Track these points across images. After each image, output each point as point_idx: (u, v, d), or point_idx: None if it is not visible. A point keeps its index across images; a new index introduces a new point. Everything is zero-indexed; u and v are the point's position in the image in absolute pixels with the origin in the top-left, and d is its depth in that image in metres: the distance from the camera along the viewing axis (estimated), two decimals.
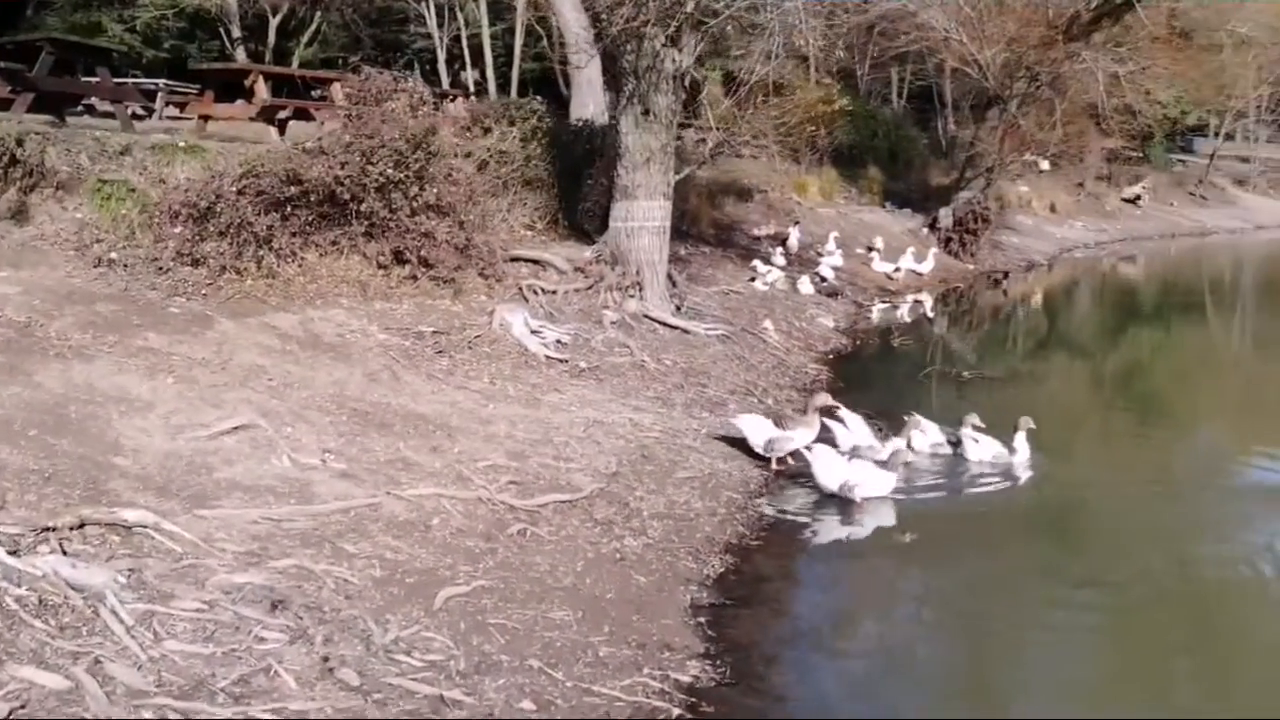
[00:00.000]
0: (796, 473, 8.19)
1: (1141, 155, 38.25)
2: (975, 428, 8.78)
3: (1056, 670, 5.49)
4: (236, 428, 6.70)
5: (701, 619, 5.57)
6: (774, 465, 8.21)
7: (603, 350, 10.29)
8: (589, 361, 9.89)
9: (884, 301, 18.09)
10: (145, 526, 5.25)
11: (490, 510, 6.34)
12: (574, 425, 8.19)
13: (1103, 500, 8.16)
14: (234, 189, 9.53)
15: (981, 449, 8.72)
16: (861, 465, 7.65)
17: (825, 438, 8.29)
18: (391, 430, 7.29)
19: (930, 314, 17.90)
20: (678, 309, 12.13)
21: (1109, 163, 35.79)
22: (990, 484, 8.29)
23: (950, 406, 10.58)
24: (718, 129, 12.35)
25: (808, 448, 7.81)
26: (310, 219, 10.11)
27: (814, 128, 15.87)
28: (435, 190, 10.56)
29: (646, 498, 7.09)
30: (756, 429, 8.22)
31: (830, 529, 7.26)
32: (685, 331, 11.53)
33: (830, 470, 7.55)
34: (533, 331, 10.10)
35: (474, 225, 11.18)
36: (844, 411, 8.78)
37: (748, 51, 12.61)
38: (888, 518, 7.46)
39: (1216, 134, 44.81)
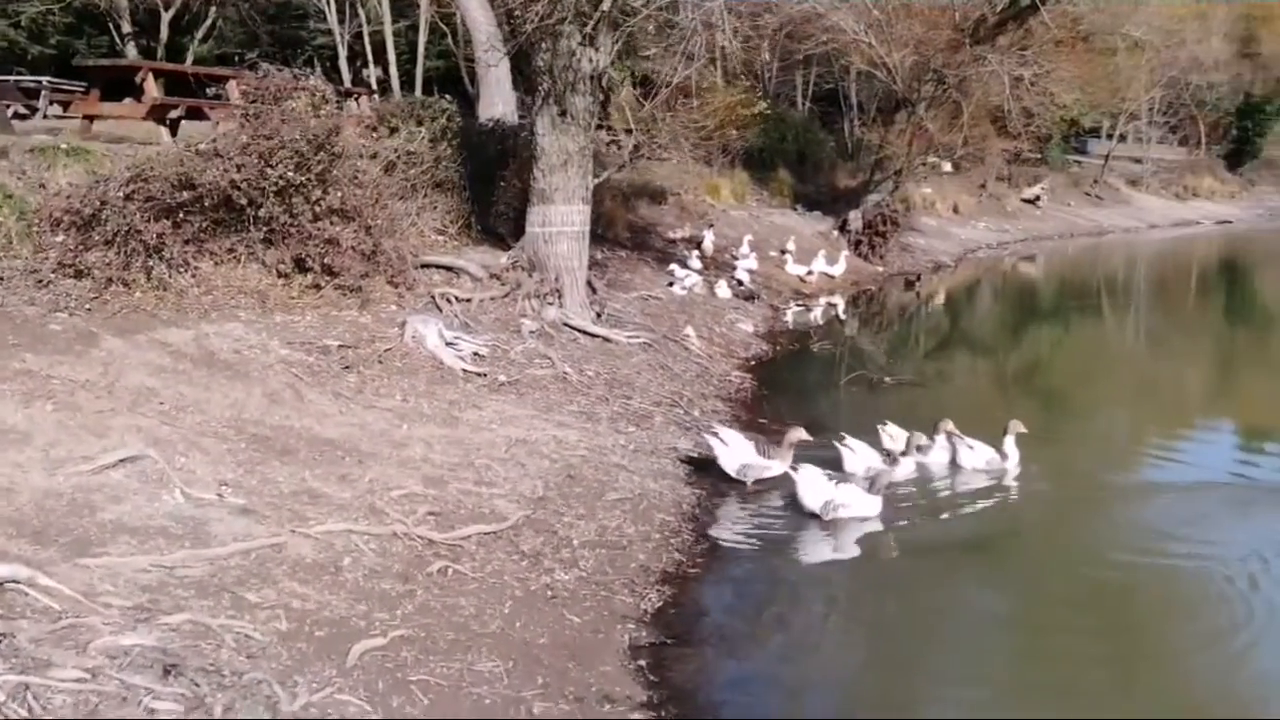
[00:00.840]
0: (733, 492, 7.88)
1: (1040, 157, 39.10)
2: (950, 434, 8.71)
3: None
4: (124, 460, 6.07)
5: (642, 662, 5.18)
6: (749, 486, 8.00)
7: (522, 362, 9.82)
8: (509, 374, 9.41)
9: (798, 304, 17.98)
10: (18, 582, 4.64)
11: (407, 546, 5.84)
12: (495, 445, 7.72)
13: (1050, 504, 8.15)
14: (121, 194, 8.83)
15: (976, 455, 8.68)
16: (848, 488, 7.48)
17: (832, 459, 8.25)
18: (295, 457, 6.72)
19: (843, 316, 17.84)
20: (598, 316, 11.73)
21: (1009, 164, 36.47)
22: (960, 494, 8.21)
23: (877, 414, 10.38)
24: (637, 131, 11.95)
25: (793, 467, 7.64)
26: (204, 226, 9.47)
27: (734, 131, 15.55)
28: (339, 193, 10.00)
29: (576, 524, 6.66)
30: (733, 452, 8.01)
31: (770, 553, 6.92)
32: (607, 340, 11.13)
33: (813, 491, 7.37)
34: (448, 343, 9.57)
35: (382, 230, 10.61)
36: (849, 439, 8.62)
37: (665, 52, 12.25)
38: (829, 539, 7.17)
39: (1110, 135, 46.11)
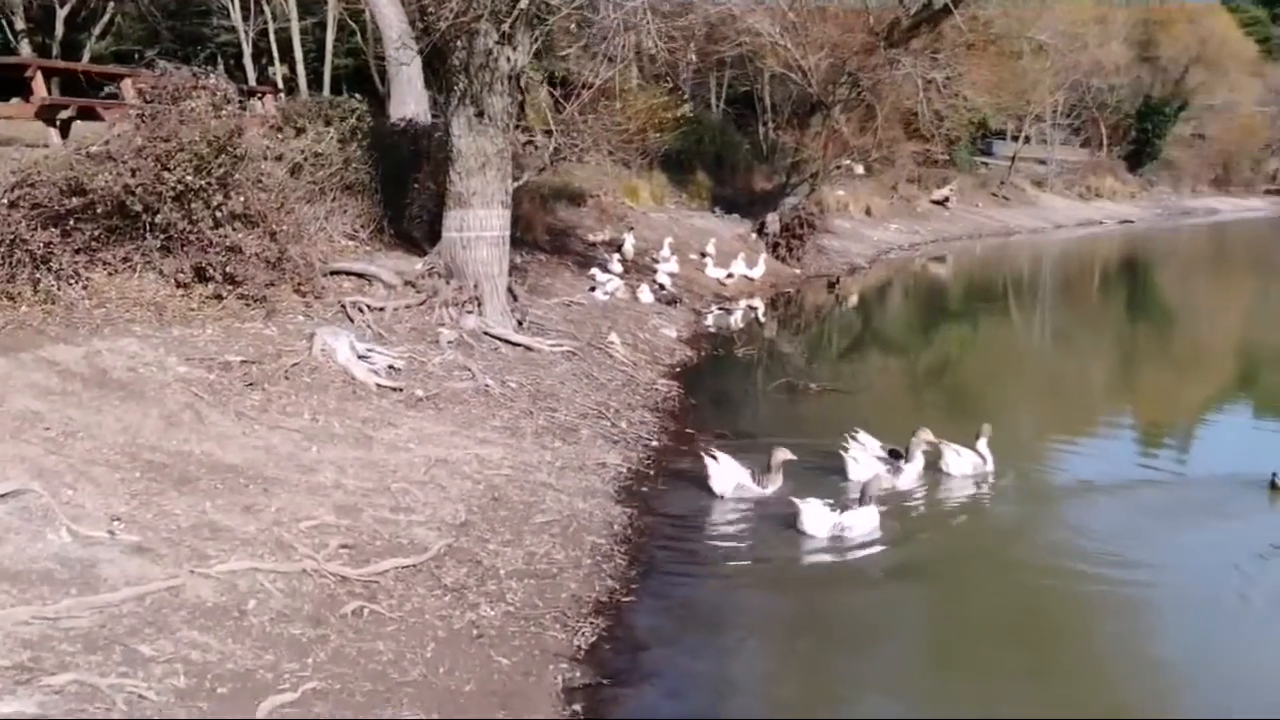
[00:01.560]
0: (664, 510, 7.59)
1: (948, 159, 39.70)
2: (930, 442, 8.62)
3: None
4: (3, 495, 5.51)
5: (577, 706, 4.84)
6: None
7: (441, 374, 9.38)
8: (426, 389, 8.96)
9: (719, 307, 17.80)
10: None
11: (318, 585, 5.40)
12: (413, 467, 7.29)
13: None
14: (4, 201, 8.29)
15: (963, 462, 8.69)
16: (851, 513, 7.32)
17: (837, 468, 8.41)
18: (195, 486, 6.21)
19: (764, 319, 17.72)
20: (520, 324, 11.34)
21: (918, 166, 36.93)
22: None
23: (806, 421, 10.29)
24: (557, 133, 11.58)
25: (796, 498, 7.45)
26: (96, 234, 8.90)
27: (657, 134, 15.29)
28: (242, 198, 9.50)
29: (502, 551, 6.28)
30: (725, 476, 7.95)
31: (708, 575, 6.62)
32: (530, 349, 10.74)
33: (817, 521, 7.25)
34: (360, 356, 9.08)
35: (288, 236, 10.09)
36: (863, 438, 8.70)
37: (584, 53, 11.90)
38: (765, 559, 6.91)
39: (1015, 138, 47.09)
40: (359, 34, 26.10)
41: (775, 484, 7.96)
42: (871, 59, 22.33)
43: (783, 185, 25.29)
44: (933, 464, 8.70)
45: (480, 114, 10.49)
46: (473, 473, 7.42)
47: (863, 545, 7.18)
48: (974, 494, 8.50)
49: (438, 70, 12.94)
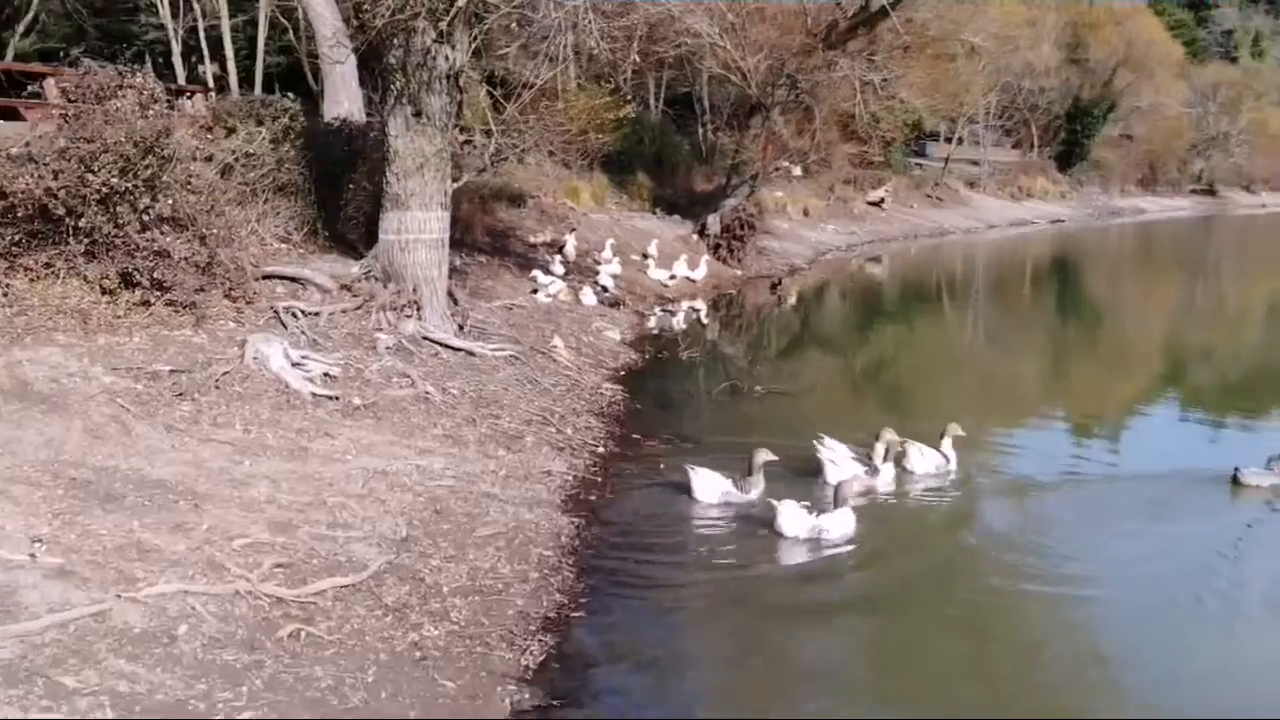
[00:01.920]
0: (613, 518, 7.46)
1: (883, 160, 40.08)
2: (893, 442, 8.68)
3: None
4: None
5: None
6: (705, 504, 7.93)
7: (379, 382, 9.14)
8: (364, 397, 8.71)
9: (662, 309, 17.71)
10: None
11: (253, 607, 5.17)
12: (351, 479, 7.06)
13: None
14: None
15: (927, 461, 8.77)
16: (828, 516, 7.30)
17: (805, 470, 8.44)
18: (122, 504, 5.93)
19: (706, 320, 17.67)
20: (461, 328, 11.12)
21: (854, 167, 37.22)
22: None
23: (751, 424, 10.24)
24: (497, 133, 11.36)
25: (775, 500, 7.46)
26: (17, 238, 8.63)
27: (599, 135, 15.13)
28: (170, 200, 9.22)
29: (445, 567, 6.09)
30: (709, 485, 7.92)
31: (658, 587, 6.46)
32: (471, 354, 10.53)
33: (795, 523, 7.26)
34: (294, 364, 8.82)
35: (218, 239, 9.82)
36: (829, 443, 8.65)
37: (524, 52, 11.71)
38: (712, 567, 6.81)
39: (949, 139, 47.72)
40: (291, 31, 25.54)
41: (758, 488, 7.92)
42: (810, 60, 22.42)
43: (723, 186, 25.30)
44: (897, 463, 8.75)
45: (418, 113, 10.26)
46: (413, 484, 7.21)
47: (819, 550, 7.12)
48: (940, 494, 8.54)
49: (373, 69, 12.65)
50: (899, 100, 24.52)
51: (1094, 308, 24.32)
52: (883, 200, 39.09)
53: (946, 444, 8.89)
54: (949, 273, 30.06)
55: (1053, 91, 53.29)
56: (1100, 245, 40.45)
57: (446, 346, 10.49)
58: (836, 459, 8.52)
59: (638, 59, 14.24)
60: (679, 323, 16.95)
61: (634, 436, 9.63)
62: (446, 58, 10.14)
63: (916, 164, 47.37)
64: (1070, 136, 55.34)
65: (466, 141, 15.75)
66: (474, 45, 10.57)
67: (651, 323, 16.43)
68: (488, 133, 11.53)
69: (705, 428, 10.21)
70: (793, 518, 7.25)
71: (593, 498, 7.85)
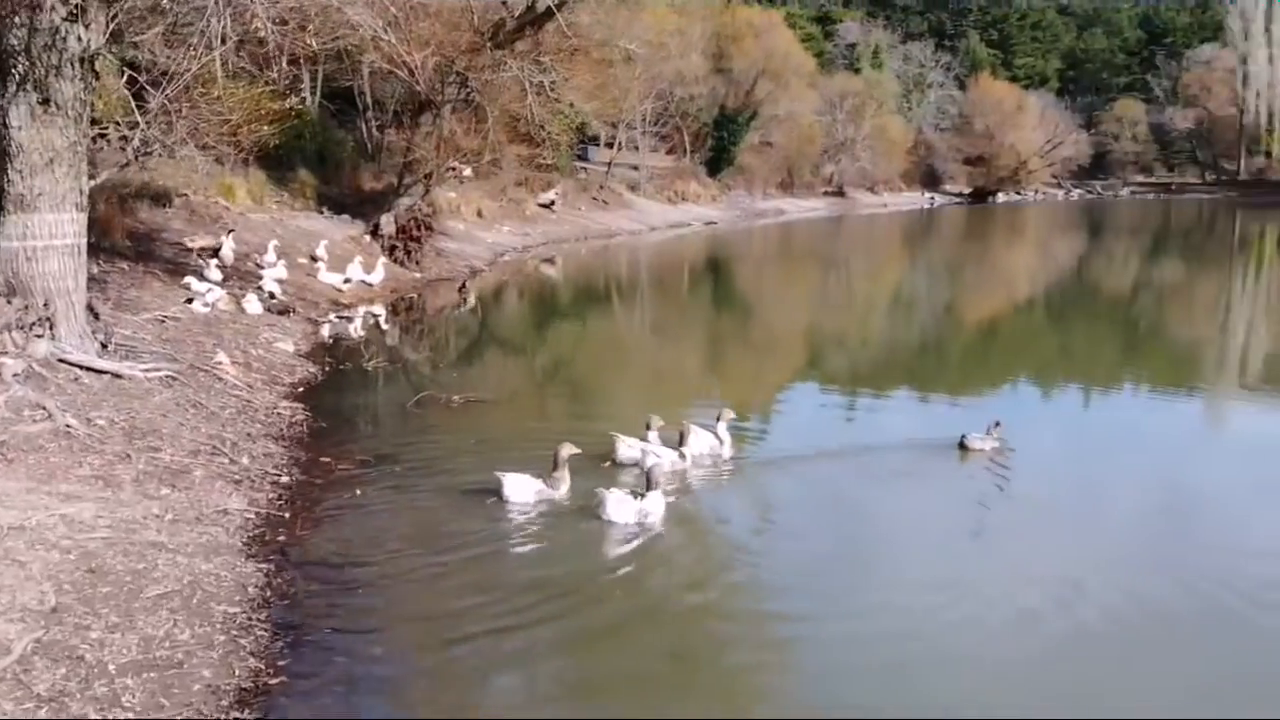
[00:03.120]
0: (304, 560, 6.65)
1: (552, 163, 40.49)
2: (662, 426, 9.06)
3: None
4: None
5: None
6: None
7: (8, 417, 7.71)
8: None
9: (338, 316, 16.69)
10: None
11: None
12: None
13: None
14: None
15: (701, 442, 9.15)
16: (652, 498, 7.61)
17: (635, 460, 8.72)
18: None
19: (386, 326, 16.84)
20: (105, 347, 9.75)
21: (524, 169, 37.31)
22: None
23: (453, 436, 9.74)
24: (144, 125, 10.00)
25: (601, 489, 7.65)
26: None
27: (266, 127, 13.87)
28: None
29: (109, 640, 5.10)
30: (521, 488, 7.89)
31: (361, 637, 5.71)
32: (119, 376, 9.23)
33: (622, 510, 7.50)
34: None
35: None
36: (651, 435, 8.99)
37: (175, 35, 10.40)
38: (414, 610, 6.21)
39: (610, 144, 49.05)
40: None
41: (565, 483, 8.01)
42: (479, 59, 22.08)
43: (395, 185, 24.45)
44: (671, 444, 9.03)
45: (46, 101, 8.82)
46: (59, 539, 6.06)
47: (565, 558, 6.93)
48: (712, 474, 8.95)
49: None
50: (569, 104, 24.68)
51: (744, 301, 25.81)
52: (553, 203, 39.58)
53: (722, 427, 9.34)
54: (618, 273, 30.91)
55: (702, 99, 56.31)
56: (748, 244, 43.16)
57: (89, 369, 9.13)
58: (655, 447, 8.82)
59: (314, 43, 13.11)
60: (357, 329, 16.02)
61: (323, 460, 8.78)
62: (79, 38, 8.79)
63: (581, 167, 48.37)
64: (718, 143, 58.75)
65: (100, 134, 13.97)
66: (113, 25, 9.23)
67: (327, 331, 15.40)
68: (133, 125, 10.15)
69: (403, 444, 9.50)
70: (619, 505, 7.47)
71: (281, 537, 6.98)
